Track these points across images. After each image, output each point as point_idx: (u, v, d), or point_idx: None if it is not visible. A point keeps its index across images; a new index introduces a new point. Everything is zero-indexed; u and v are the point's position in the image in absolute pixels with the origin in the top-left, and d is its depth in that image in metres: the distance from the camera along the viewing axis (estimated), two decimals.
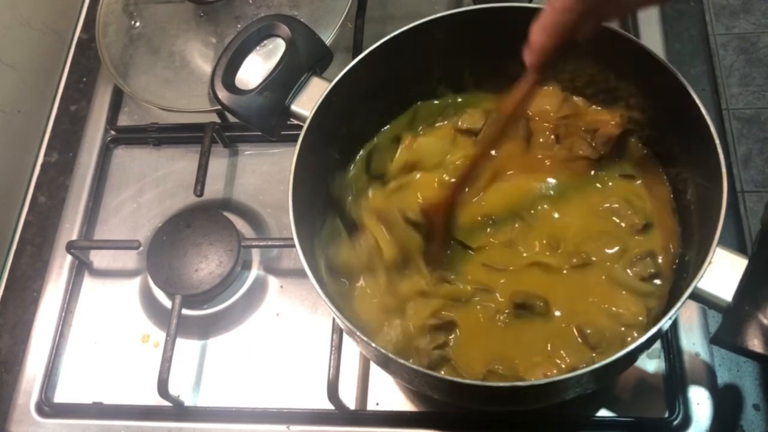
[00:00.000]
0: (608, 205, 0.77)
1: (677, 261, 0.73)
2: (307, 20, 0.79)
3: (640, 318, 0.71)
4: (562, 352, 0.70)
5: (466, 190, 0.75)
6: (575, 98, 0.82)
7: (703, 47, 0.98)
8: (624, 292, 0.72)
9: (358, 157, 0.82)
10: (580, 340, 0.70)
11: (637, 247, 0.74)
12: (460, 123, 0.82)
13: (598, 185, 0.78)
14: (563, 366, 0.69)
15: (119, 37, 1.02)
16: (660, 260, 0.73)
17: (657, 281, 0.73)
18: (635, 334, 0.70)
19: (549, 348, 0.70)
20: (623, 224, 0.76)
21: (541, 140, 0.81)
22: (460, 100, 0.84)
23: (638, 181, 0.78)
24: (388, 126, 0.83)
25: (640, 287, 0.72)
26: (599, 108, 0.81)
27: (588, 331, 0.70)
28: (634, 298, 0.72)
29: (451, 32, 0.76)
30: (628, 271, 0.73)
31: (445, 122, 0.84)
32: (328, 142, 0.77)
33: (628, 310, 0.71)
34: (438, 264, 0.75)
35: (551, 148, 0.80)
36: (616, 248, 0.74)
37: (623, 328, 0.70)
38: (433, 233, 0.75)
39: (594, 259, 0.74)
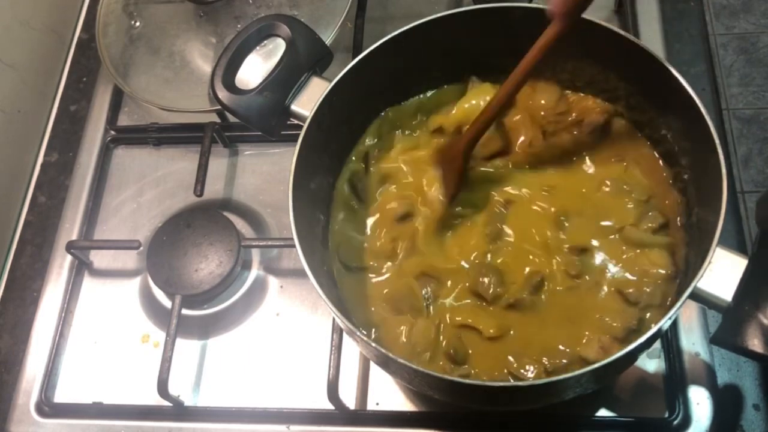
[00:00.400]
0: (604, 187, 0.77)
1: (685, 219, 0.74)
2: (307, 20, 0.79)
3: (668, 270, 0.72)
4: (607, 319, 0.71)
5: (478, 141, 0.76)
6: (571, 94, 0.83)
7: (703, 47, 0.98)
8: (640, 250, 0.73)
9: (338, 194, 0.80)
10: (622, 303, 0.71)
11: (638, 210, 0.75)
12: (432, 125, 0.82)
13: (591, 172, 0.78)
14: (616, 328, 0.70)
15: (119, 37, 1.02)
16: (665, 213, 0.75)
17: (668, 232, 0.74)
18: (671, 285, 0.71)
19: (597, 318, 0.71)
20: (621, 199, 0.76)
21: (530, 136, 0.81)
22: (429, 95, 0.84)
23: (630, 164, 0.78)
24: (358, 145, 0.82)
25: (655, 240, 0.73)
26: (582, 95, 0.81)
27: (629, 290, 0.71)
28: (656, 251, 0.73)
29: (451, 32, 0.76)
30: (637, 229, 0.74)
31: (417, 132, 0.83)
32: (328, 142, 0.77)
33: (654, 264, 0.72)
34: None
35: (539, 143, 0.81)
36: (614, 221, 0.75)
37: (659, 281, 0.72)
38: (446, 179, 0.76)
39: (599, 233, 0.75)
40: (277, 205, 0.94)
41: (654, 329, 0.60)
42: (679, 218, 0.75)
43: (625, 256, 0.73)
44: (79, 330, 0.90)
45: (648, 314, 0.71)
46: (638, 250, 0.73)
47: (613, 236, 0.74)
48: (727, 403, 0.78)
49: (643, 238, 0.74)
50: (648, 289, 0.71)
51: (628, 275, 0.72)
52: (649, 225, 0.74)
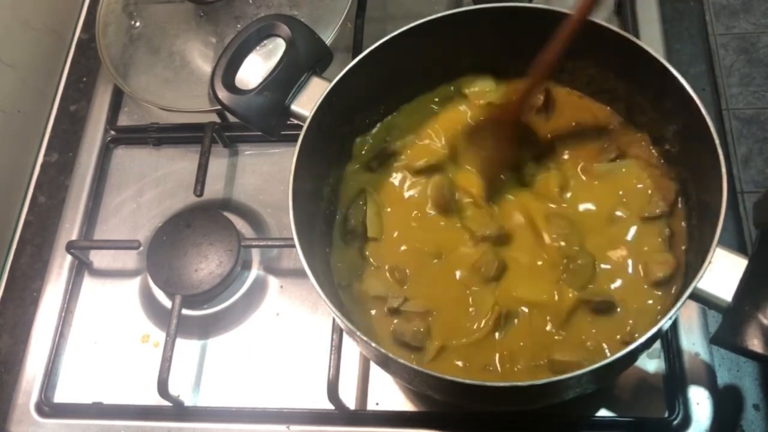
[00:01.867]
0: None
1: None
2: (307, 20, 0.79)
3: (649, 177, 0.76)
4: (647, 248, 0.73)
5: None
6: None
7: (703, 47, 0.98)
8: (612, 175, 0.77)
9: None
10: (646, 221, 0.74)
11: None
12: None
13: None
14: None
15: (119, 37, 1.02)
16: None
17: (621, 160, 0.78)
18: (665, 181, 0.75)
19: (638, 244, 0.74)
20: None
21: None
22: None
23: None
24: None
25: (616, 164, 0.77)
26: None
27: (649, 212, 0.74)
28: (624, 170, 0.77)
29: (451, 32, 0.76)
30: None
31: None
32: (328, 142, 0.77)
33: (632, 177, 0.77)
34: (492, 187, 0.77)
35: None
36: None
37: (653, 184, 0.76)
38: (499, 145, 0.77)
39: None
40: (277, 205, 0.94)
41: (654, 329, 0.60)
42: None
43: (599, 184, 0.76)
44: (79, 330, 0.90)
45: (671, 218, 0.74)
46: (611, 176, 0.77)
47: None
48: (727, 403, 0.78)
49: (602, 168, 0.77)
50: (651, 193, 0.75)
51: (626, 200, 0.75)
52: (607, 156, 0.77)
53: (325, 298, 0.64)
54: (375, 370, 0.82)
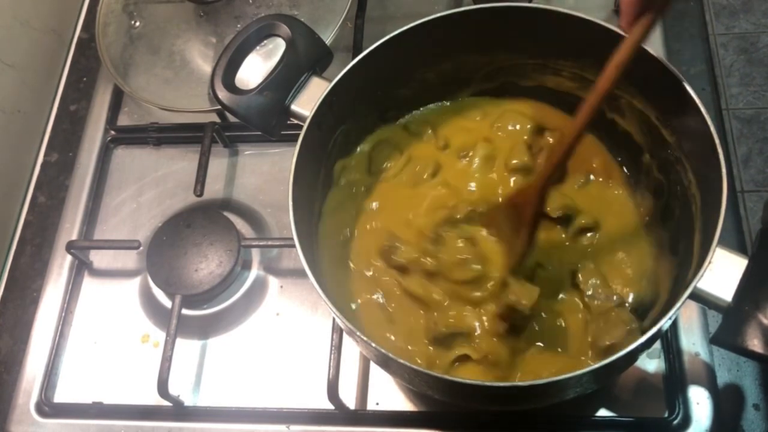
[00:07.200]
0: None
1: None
2: (307, 20, 0.79)
3: None
4: None
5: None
6: None
7: (703, 47, 0.98)
8: None
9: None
10: None
11: None
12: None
13: None
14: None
15: (119, 37, 1.02)
16: None
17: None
18: None
19: None
20: None
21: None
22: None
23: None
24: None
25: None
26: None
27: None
28: None
29: (452, 32, 0.76)
30: None
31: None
32: (328, 142, 0.77)
33: None
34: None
35: None
36: None
37: None
38: (520, 224, 0.71)
39: None
40: (277, 205, 0.94)
41: (654, 329, 0.60)
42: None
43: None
44: (79, 330, 0.90)
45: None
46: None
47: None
48: (727, 403, 0.78)
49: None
50: None
51: None
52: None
53: (325, 298, 0.64)
54: (375, 370, 0.82)
